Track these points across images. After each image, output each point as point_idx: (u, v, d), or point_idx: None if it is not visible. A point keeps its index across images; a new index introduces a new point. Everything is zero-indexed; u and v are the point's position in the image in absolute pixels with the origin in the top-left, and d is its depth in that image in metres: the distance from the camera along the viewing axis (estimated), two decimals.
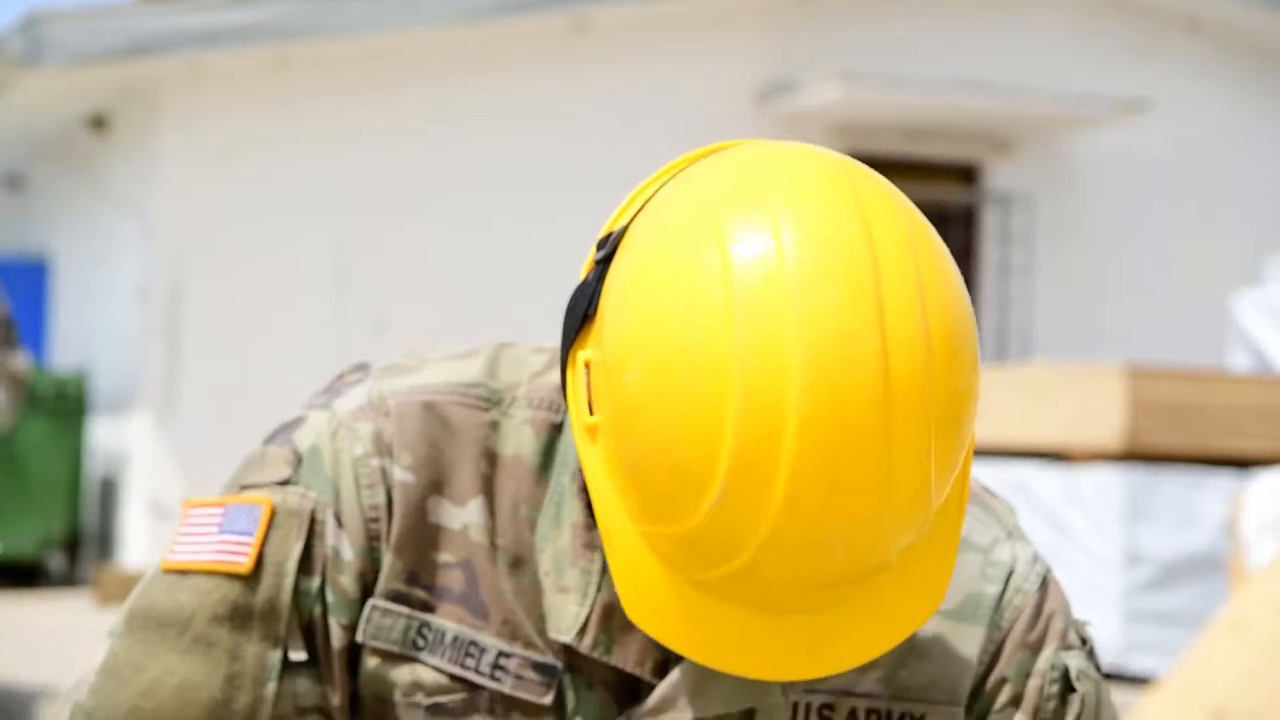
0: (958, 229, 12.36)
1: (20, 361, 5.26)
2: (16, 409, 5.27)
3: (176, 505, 9.67)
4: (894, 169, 11.73)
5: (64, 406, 10.89)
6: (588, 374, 1.33)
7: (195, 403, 10.62)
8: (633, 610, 1.31)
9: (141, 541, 10.64)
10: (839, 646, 1.31)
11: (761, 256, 1.23)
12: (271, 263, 10.77)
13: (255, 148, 10.79)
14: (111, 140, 11.86)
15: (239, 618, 1.45)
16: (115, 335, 11.56)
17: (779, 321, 1.22)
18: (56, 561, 11.56)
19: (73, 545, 11.47)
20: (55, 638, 8.10)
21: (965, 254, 12.42)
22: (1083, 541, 8.21)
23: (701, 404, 1.22)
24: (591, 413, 1.32)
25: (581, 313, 1.36)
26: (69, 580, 11.42)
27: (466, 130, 11.07)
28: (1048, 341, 12.30)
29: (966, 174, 12.50)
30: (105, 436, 11.45)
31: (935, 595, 1.33)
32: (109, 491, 11.48)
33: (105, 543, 11.46)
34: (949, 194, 12.32)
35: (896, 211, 1.28)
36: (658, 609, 1.30)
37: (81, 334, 12.36)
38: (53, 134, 12.59)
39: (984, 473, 8.17)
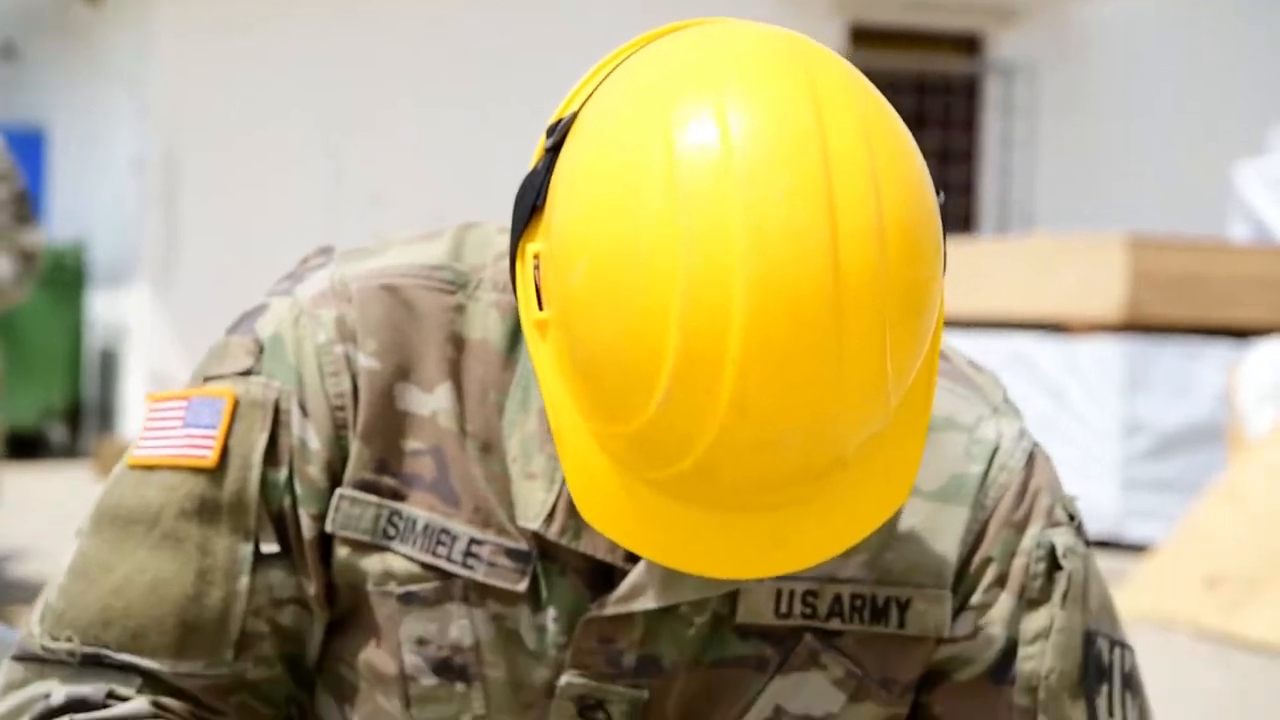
0: (960, 100, 12.28)
1: (34, 237, 5.29)
2: (28, 284, 5.31)
3: (176, 377, 9.68)
4: (896, 39, 11.65)
5: (62, 278, 10.88)
6: (537, 267, 1.29)
7: (193, 275, 10.61)
8: (586, 509, 1.28)
9: (142, 413, 10.65)
10: (800, 543, 1.27)
11: (707, 145, 1.18)
12: (267, 137, 10.72)
13: (251, 22, 10.70)
14: (106, 11, 11.75)
15: (207, 512, 1.42)
16: (112, 208, 11.52)
17: (724, 213, 1.17)
18: (58, 433, 11.61)
19: (74, 416, 11.52)
20: (57, 508, 8.12)
21: (967, 125, 12.36)
22: (1081, 412, 8.22)
23: (646, 299, 1.18)
24: (541, 307, 1.28)
25: (530, 203, 1.31)
26: (70, 451, 11.47)
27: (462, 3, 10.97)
28: (1050, 213, 12.25)
29: (969, 44, 12.40)
30: (104, 309, 11.45)
31: (900, 488, 1.29)
32: (109, 363, 11.50)
33: (106, 414, 11.50)
34: (951, 65, 12.23)
35: (852, 96, 1.23)
36: (611, 508, 1.27)
37: (79, 206, 12.32)
38: (47, 2, 12.47)
39: (983, 344, 8.17)
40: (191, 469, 1.43)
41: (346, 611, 1.47)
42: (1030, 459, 1.50)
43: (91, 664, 1.42)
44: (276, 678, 1.46)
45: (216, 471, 1.42)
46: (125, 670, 1.42)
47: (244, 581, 1.42)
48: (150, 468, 1.44)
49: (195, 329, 10.24)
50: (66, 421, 11.54)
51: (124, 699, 1.41)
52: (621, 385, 1.21)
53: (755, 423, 1.19)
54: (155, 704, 1.42)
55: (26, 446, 11.20)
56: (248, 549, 1.43)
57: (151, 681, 1.42)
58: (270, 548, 1.43)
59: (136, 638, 1.41)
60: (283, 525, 1.44)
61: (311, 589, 1.45)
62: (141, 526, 1.43)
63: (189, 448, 1.43)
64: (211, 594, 1.42)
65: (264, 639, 1.44)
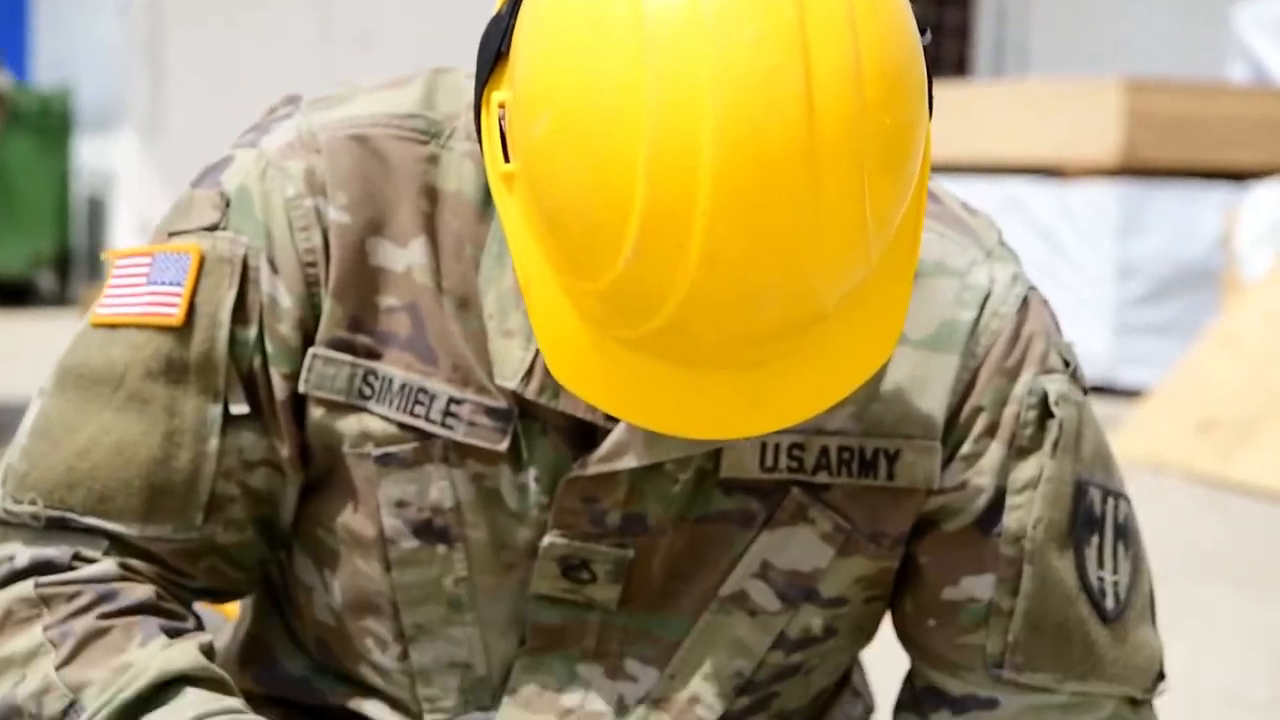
0: None
1: (1, 80, 5.35)
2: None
3: None
4: None
5: (48, 124, 10.82)
6: (502, 117, 1.23)
7: (180, 121, 10.54)
8: (557, 369, 1.24)
9: None
10: (780, 401, 1.23)
11: None
12: None
13: None
14: None
15: (174, 372, 1.37)
16: (98, 53, 11.43)
17: (692, 59, 1.11)
18: (47, 281, 11.60)
19: (62, 264, 11.51)
20: (46, 356, 8.14)
21: None
22: (1074, 256, 8.20)
23: (612, 147, 1.13)
24: (507, 159, 1.23)
25: (495, 49, 1.25)
26: (59, 299, 11.46)
27: None
28: (1045, 56, 12.15)
29: None
30: (91, 155, 11.40)
31: (885, 342, 1.25)
32: (97, 211, 11.47)
33: (94, 262, 11.48)
34: None
35: None
36: (583, 367, 1.23)
37: (64, 51, 12.21)
38: None
39: (977, 189, 8.13)
40: (157, 328, 1.38)
41: (322, 474, 1.43)
42: (1024, 304, 1.44)
43: (56, 527, 1.38)
44: (247, 541, 1.43)
45: (183, 330, 1.37)
46: (91, 533, 1.38)
47: (213, 443, 1.38)
48: (114, 326, 1.39)
49: (183, 176, 10.09)
50: (55, 269, 11.53)
51: (90, 561, 1.38)
52: (589, 239, 1.16)
53: (727, 277, 1.14)
54: (122, 566, 1.38)
55: (15, 295, 11.21)
56: (217, 410, 1.38)
57: (118, 544, 1.39)
58: (240, 409, 1.39)
59: (103, 500, 1.38)
60: (253, 385, 1.39)
61: (284, 451, 1.41)
62: (107, 387, 1.38)
63: (154, 305, 1.38)
64: (180, 456, 1.38)
65: (234, 502, 1.40)
